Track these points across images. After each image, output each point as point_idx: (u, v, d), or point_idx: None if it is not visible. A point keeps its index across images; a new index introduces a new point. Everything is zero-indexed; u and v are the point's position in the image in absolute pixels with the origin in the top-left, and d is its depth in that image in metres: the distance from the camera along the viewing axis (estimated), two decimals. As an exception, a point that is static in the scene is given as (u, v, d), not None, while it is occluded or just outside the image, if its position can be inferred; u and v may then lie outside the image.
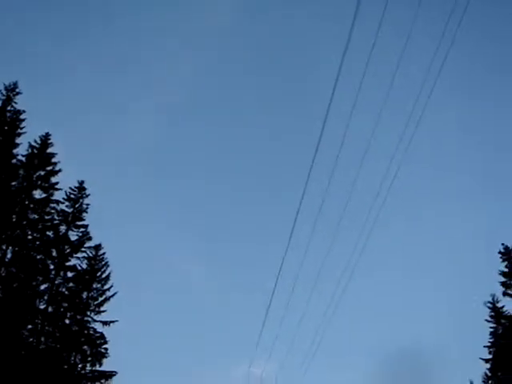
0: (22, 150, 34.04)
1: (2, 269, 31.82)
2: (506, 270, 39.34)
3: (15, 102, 33.67)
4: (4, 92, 33.45)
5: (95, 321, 37.35)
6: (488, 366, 41.19)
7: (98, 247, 39.16)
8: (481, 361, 40.97)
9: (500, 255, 39.70)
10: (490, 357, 40.56)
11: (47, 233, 35.20)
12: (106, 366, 36.86)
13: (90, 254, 38.60)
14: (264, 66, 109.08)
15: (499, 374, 40.57)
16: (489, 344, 40.74)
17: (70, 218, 37.37)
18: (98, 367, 36.53)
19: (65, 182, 36.72)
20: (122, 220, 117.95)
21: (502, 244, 40.00)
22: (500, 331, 40.58)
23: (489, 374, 42.25)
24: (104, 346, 36.78)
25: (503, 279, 39.21)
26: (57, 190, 35.80)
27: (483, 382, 43.95)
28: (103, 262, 39.04)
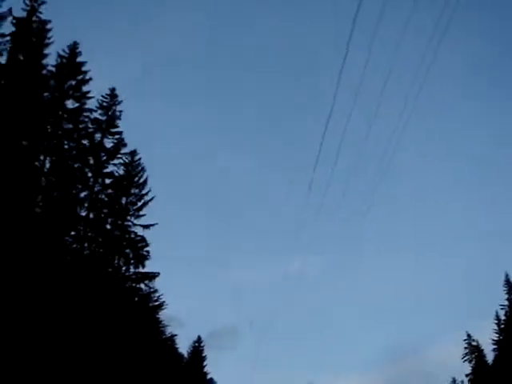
0: (51, 61, 33.33)
1: (42, 179, 32.56)
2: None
3: (40, 12, 32.11)
4: (28, 2, 32.26)
5: (135, 225, 38.76)
6: None
7: (133, 153, 39.73)
8: None
9: None
10: None
11: (83, 141, 35.59)
12: (149, 267, 38.68)
13: (126, 160, 39.30)
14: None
15: None
16: None
17: (104, 126, 37.60)
18: (140, 269, 38.30)
19: (95, 89, 36.44)
20: (154, 124, 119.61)
21: None
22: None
23: None
24: (146, 249, 38.36)
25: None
26: (89, 98, 35.39)
27: None
28: (140, 168, 39.81)
